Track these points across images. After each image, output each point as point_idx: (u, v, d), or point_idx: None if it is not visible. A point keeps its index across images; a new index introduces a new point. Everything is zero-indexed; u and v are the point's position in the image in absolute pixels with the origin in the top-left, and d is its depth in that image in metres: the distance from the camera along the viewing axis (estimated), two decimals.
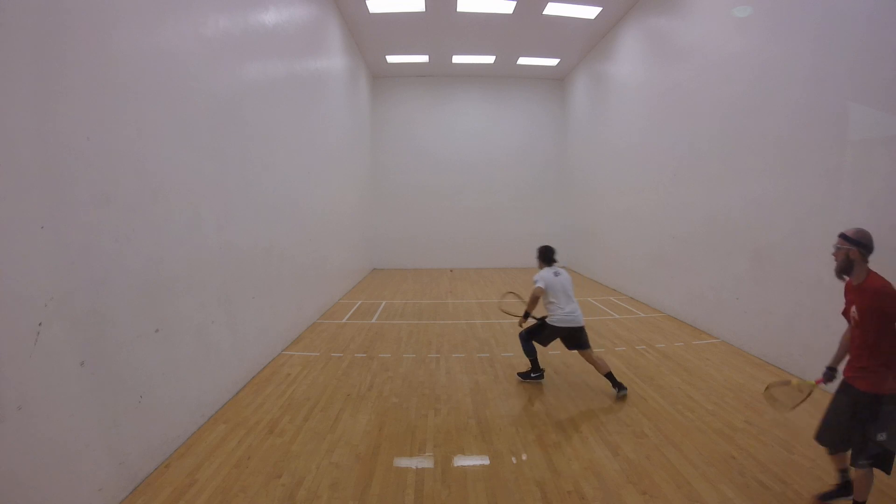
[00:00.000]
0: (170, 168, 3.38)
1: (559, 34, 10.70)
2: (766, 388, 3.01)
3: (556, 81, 14.29)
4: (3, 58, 2.07)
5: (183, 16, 3.60)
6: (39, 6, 2.27)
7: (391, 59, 12.41)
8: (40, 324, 2.23)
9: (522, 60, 12.63)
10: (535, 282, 4.52)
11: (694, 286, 6.95)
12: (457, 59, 12.50)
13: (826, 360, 2.90)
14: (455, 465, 3.22)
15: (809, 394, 2.82)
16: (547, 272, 4.59)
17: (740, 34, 5.85)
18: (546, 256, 4.72)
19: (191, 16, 3.72)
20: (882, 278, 2.48)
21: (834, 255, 2.62)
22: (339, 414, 4.01)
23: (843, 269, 2.59)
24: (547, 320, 4.52)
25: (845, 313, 2.66)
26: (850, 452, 2.58)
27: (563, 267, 4.85)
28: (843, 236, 2.57)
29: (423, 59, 12.52)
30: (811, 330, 4.64)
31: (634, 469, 3.13)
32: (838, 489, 2.74)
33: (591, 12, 9.49)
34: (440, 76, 13.91)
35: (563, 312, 4.41)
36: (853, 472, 2.59)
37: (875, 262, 3.78)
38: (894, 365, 2.40)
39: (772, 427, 3.69)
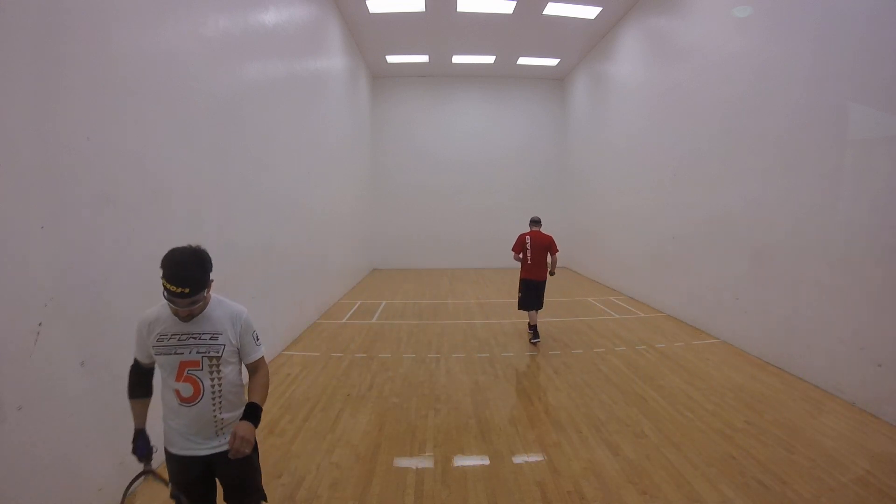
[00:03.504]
0: (170, 168, 3.38)
1: (559, 34, 10.70)
2: None
3: (556, 81, 14.28)
4: (3, 58, 2.07)
5: (183, 16, 3.60)
6: (39, 6, 2.27)
7: (391, 59, 12.40)
8: (40, 324, 2.23)
9: (522, 60, 12.62)
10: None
11: (694, 286, 6.95)
12: (457, 59, 12.50)
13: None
14: (455, 465, 3.22)
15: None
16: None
17: (740, 34, 5.85)
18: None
19: (191, 16, 3.72)
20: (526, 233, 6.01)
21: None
22: (339, 414, 4.01)
23: (534, 221, 6.21)
24: None
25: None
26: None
27: None
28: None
29: (423, 59, 12.51)
30: (811, 330, 4.63)
31: (634, 469, 3.13)
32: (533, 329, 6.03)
33: (591, 12, 9.49)
34: (440, 76, 13.90)
35: None
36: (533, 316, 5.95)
37: (876, 262, 3.80)
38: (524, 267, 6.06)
39: (772, 427, 3.70)
